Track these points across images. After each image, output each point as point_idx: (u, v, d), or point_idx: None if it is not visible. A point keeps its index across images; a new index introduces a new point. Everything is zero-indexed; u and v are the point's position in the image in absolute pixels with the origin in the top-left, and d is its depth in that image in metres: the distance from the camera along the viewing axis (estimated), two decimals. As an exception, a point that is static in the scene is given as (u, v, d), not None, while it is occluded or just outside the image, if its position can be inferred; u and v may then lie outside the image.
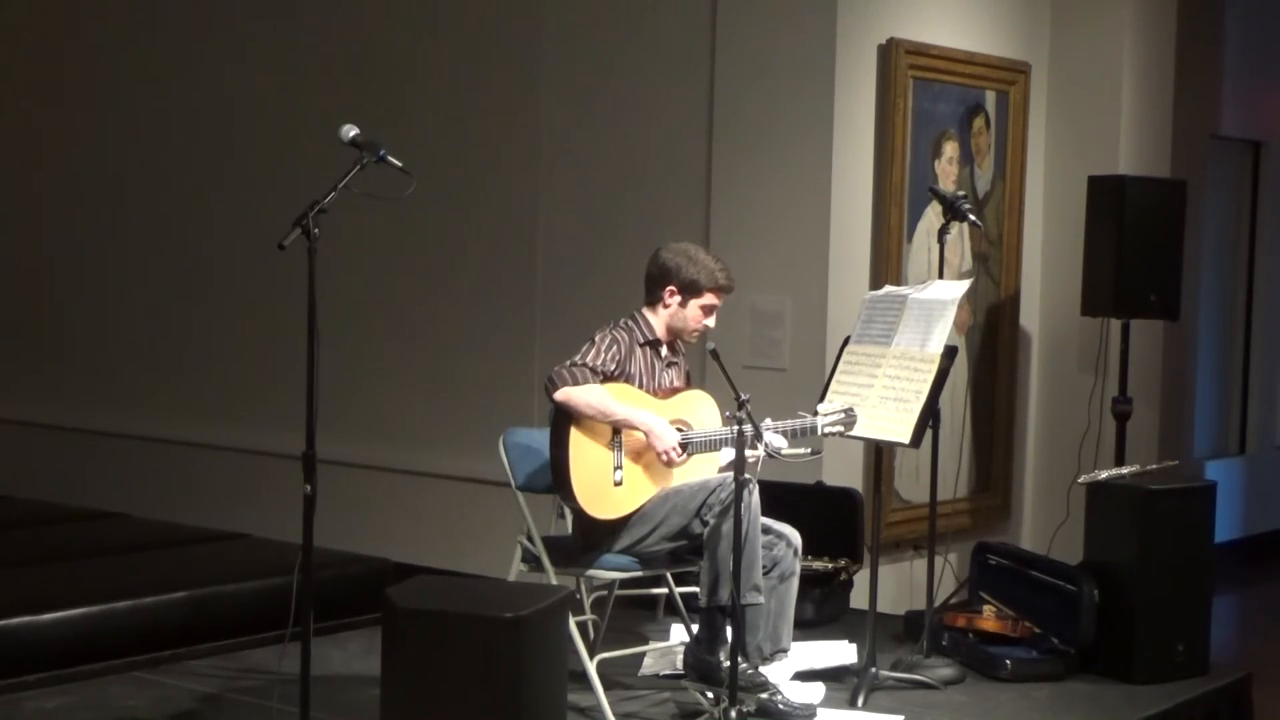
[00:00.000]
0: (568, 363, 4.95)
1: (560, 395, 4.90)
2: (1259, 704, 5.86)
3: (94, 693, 5.25)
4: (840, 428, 5.14)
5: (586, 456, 4.93)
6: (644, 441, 4.97)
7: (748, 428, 4.71)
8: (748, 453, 4.73)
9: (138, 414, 8.80)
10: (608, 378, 4.98)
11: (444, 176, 7.30)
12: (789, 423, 5.05)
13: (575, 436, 4.91)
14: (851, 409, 5.16)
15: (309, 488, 4.27)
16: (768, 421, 4.98)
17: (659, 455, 4.97)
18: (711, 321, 5.20)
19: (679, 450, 4.96)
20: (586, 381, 4.92)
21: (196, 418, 8.56)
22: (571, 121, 7.33)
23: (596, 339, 5.05)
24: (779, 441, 4.94)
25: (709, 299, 5.14)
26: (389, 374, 7.90)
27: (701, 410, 5.14)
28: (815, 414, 5.11)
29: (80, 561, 6.43)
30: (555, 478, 4.98)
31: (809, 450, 5.20)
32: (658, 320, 5.17)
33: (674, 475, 5.05)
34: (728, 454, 4.99)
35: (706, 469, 5.11)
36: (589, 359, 4.97)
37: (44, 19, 9.36)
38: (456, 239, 7.71)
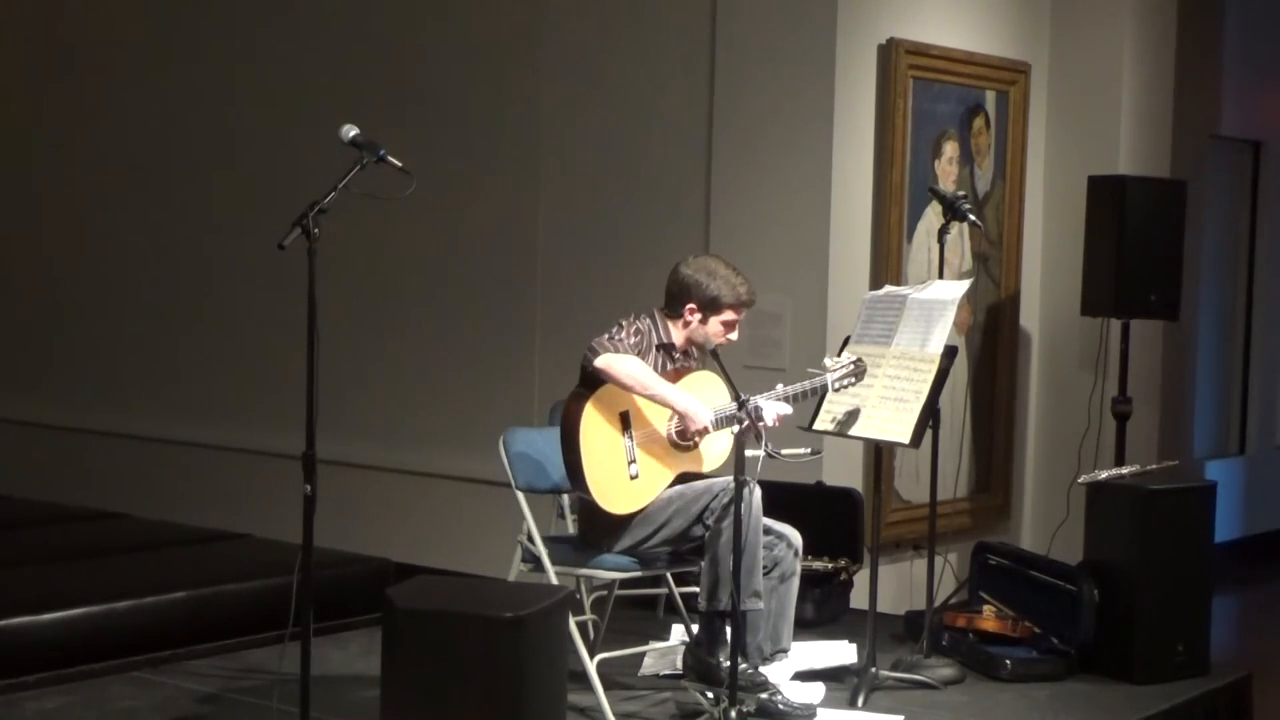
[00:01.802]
0: (605, 336, 4.96)
1: (601, 362, 4.89)
2: (1259, 704, 5.86)
3: (94, 693, 5.25)
4: (852, 380, 5.15)
5: (599, 455, 4.92)
6: (652, 432, 4.97)
7: (748, 426, 4.73)
8: (748, 453, 4.73)
9: (138, 414, 8.80)
10: None
11: (444, 176, 7.29)
12: (800, 385, 5.06)
13: (585, 438, 4.89)
14: (860, 359, 5.17)
15: (309, 488, 4.28)
16: (779, 387, 4.99)
17: (692, 434, 4.96)
18: (734, 336, 5.17)
19: (709, 429, 4.96)
20: (627, 354, 4.93)
21: (196, 418, 8.56)
22: (571, 121, 7.33)
23: (624, 324, 5.05)
24: (786, 409, 4.93)
25: (730, 315, 5.11)
26: (389, 374, 7.90)
27: (710, 389, 5.12)
28: (824, 370, 5.13)
29: (80, 561, 6.41)
30: (572, 481, 4.97)
31: (809, 450, 5.21)
32: (678, 333, 5.15)
33: (685, 458, 5.05)
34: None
35: (720, 446, 5.10)
36: (621, 336, 4.99)
37: (44, 20, 9.36)
38: (456, 239, 7.70)
